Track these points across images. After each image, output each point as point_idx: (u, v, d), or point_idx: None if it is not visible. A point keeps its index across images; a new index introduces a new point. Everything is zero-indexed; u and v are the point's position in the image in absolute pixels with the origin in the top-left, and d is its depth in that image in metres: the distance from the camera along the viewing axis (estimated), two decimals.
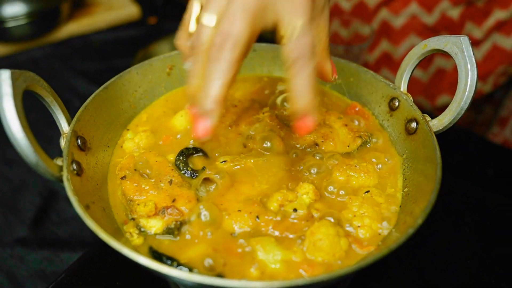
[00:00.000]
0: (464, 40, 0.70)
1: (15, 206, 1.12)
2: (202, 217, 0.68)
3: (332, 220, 0.68)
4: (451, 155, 1.17)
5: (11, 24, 1.54)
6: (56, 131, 0.71)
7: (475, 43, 1.41)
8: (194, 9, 0.67)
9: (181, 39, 0.70)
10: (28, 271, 0.98)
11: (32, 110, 1.08)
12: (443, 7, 1.38)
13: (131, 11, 1.83)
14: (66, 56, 1.65)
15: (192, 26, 0.68)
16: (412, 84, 1.49)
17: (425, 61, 1.47)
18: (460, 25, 1.40)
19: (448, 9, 1.38)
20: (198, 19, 0.67)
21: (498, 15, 1.38)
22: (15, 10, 1.53)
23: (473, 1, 1.37)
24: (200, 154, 0.78)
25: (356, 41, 1.43)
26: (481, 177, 1.13)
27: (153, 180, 0.74)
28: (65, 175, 0.63)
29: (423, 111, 0.77)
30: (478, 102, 1.55)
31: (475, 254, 0.93)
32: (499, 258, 0.92)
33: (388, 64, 1.52)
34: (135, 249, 0.65)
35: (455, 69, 1.50)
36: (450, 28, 1.42)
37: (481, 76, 1.45)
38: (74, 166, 0.67)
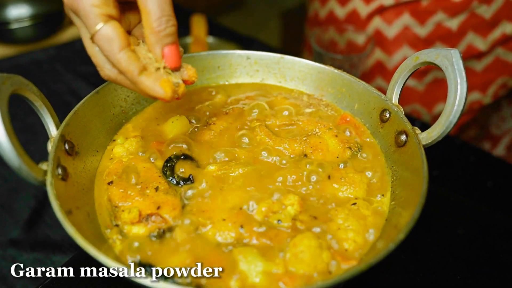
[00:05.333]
0: (454, 54, 0.69)
1: (10, 207, 1.13)
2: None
3: (316, 232, 0.67)
4: (446, 167, 1.16)
5: (15, 26, 1.55)
6: None
7: (477, 56, 1.39)
8: None
9: None
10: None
11: (30, 113, 1.10)
12: (438, 19, 1.36)
13: None
14: (68, 59, 1.66)
15: None
16: (409, 92, 1.48)
17: (422, 70, 1.45)
18: (458, 36, 1.38)
19: (444, 20, 1.36)
20: None
21: (505, 28, 1.36)
22: (19, 12, 1.54)
23: (475, 10, 1.35)
24: (188, 160, 0.78)
25: (352, 50, 1.42)
26: (476, 190, 1.11)
27: (140, 186, 0.73)
28: (48, 179, 0.63)
29: (416, 120, 0.76)
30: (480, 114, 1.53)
31: (465, 265, 0.92)
32: (488, 270, 0.91)
33: (381, 73, 1.51)
34: (118, 255, 0.65)
35: None
36: (446, 39, 1.39)
37: (480, 87, 1.44)
38: (60, 171, 0.67)
